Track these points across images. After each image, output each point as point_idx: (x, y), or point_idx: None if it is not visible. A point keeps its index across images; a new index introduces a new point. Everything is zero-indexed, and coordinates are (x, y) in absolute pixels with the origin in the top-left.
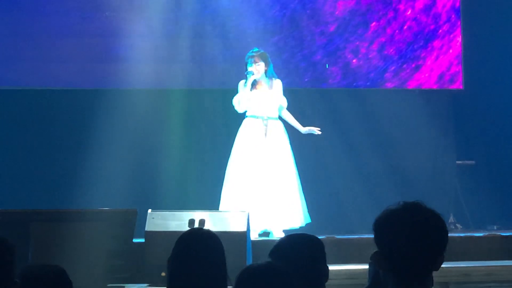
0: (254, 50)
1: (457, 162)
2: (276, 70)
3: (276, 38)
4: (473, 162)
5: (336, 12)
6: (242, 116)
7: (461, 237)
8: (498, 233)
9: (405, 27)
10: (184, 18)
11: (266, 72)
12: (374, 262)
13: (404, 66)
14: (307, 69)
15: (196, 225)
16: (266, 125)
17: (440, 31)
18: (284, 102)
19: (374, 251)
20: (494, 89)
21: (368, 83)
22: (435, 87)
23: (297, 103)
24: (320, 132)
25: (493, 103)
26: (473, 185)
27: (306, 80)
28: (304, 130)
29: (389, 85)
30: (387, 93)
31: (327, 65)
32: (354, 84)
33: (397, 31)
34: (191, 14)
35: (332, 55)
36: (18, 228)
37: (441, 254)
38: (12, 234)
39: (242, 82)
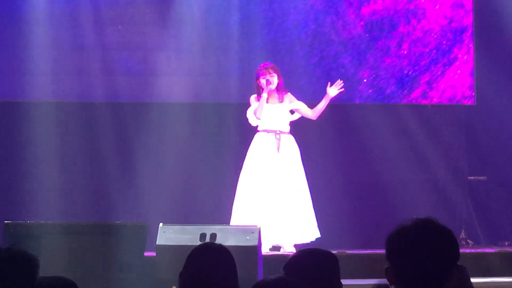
0: (267, 63)
1: (468, 177)
2: (286, 83)
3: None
4: (484, 177)
5: (347, 29)
6: (254, 129)
7: (472, 253)
8: (510, 249)
9: (418, 43)
10: (197, 31)
11: (278, 85)
12: (386, 277)
13: (417, 81)
14: (319, 83)
15: (208, 239)
16: (278, 140)
17: (452, 47)
18: (302, 105)
19: (386, 266)
20: (506, 105)
21: (380, 98)
22: (447, 103)
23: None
24: (341, 83)
25: (504, 118)
26: (485, 200)
27: (318, 94)
28: (330, 92)
29: (402, 100)
30: (400, 108)
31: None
32: (366, 99)
33: (409, 46)
34: (204, 28)
35: (344, 69)
36: (30, 241)
37: (451, 271)
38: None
39: (253, 96)
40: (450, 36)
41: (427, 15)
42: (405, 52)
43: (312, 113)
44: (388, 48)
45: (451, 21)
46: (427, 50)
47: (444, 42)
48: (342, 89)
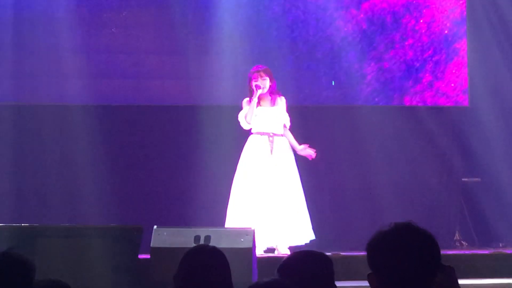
0: (259, 66)
1: (462, 179)
2: (280, 86)
3: (282, 54)
4: (478, 179)
5: (344, 30)
6: (247, 132)
7: (466, 254)
8: (504, 251)
9: (410, 45)
10: (190, 34)
11: (270, 88)
12: (368, 283)
13: (410, 83)
14: (312, 85)
15: (202, 241)
16: (272, 142)
17: (445, 49)
18: (287, 120)
19: (368, 273)
20: (499, 106)
21: (372, 101)
22: (440, 104)
23: (301, 119)
24: (314, 156)
25: (498, 120)
26: (479, 202)
27: (309, 96)
28: (299, 149)
29: (395, 102)
30: (392, 110)
31: (333, 82)
32: (359, 101)
33: (402, 49)
34: (197, 30)
35: (339, 72)
36: (24, 244)
37: (434, 274)
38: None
39: (246, 100)
40: (443, 39)
41: (419, 19)
42: (398, 56)
43: (285, 132)
44: (380, 53)
45: (444, 25)
46: (420, 52)
47: (437, 45)
48: (311, 157)
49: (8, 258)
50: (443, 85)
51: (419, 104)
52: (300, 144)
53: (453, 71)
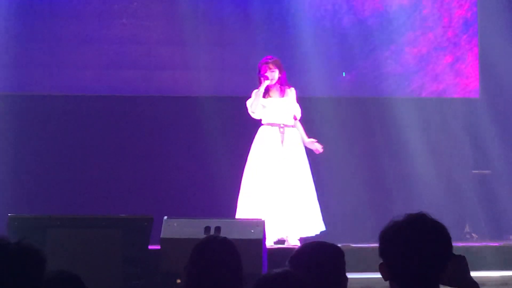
0: (268, 57)
1: (473, 171)
2: (291, 77)
3: (292, 45)
4: (489, 171)
5: (353, 22)
6: (258, 123)
7: (476, 246)
8: None
9: (422, 37)
10: (201, 25)
11: (280, 79)
12: (380, 273)
13: (420, 74)
14: (323, 77)
15: (212, 232)
16: (282, 133)
17: (457, 41)
18: (298, 111)
19: (380, 262)
20: (510, 98)
21: (383, 92)
22: (451, 96)
23: (312, 111)
24: (321, 151)
25: (509, 112)
26: (489, 194)
27: (321, 88)
28: (307, 142)
29: (405, 93)
30: (403, 102)
31: (343, 73)
32: (369, 92)
33: (413, 41)
34: (207, 21)
35: (349, 63)
36: (35, 234)
37: (445, 265)
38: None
39: (255, 91)
40: (455, 30)
41: (430, 10)
42: (409, 46)
43: (296, 124)
44: (390, 42)
45: (456, 16)
46: (431, 44)
47: (449, 36)
48: (318, 151)
49: (20, 249)
50: (453, 77)
51: (429, 96)
52: (309, 137)
53: (464, 62)
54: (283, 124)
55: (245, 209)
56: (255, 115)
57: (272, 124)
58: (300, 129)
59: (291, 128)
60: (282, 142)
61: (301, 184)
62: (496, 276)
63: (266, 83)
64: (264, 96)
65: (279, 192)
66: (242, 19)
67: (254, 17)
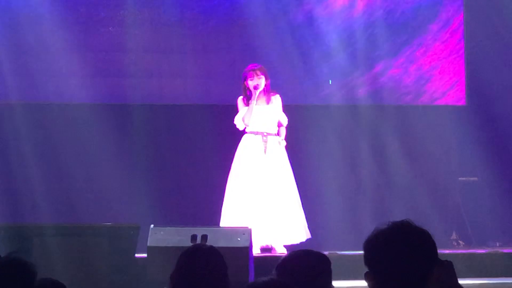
0: (254, 64)
1: (459, 178)
2: (277, 85)
3: (279, 52)
4: (476, 178)
5: (341, 29)
6: (241, 131)
7: (463, 253)
8: (500, 250)
9: (408, 44)
10: (188, 33)
11: (265, 86)
12: (366, 282)
13: (407, 83)
14: (310, 84)
15: (199, 240)
16: (265, 142)
17: (443, 48)
18: (283, 118)
19: (365, 271)
20: (496, 105)
21: (368, 100)
22: (437, 104)
23: (297, 118)
24: None
25: (495, 119)
26: (476, 201)
27: (308, 96)
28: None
29: (391, 101)
30: (389, 110)
31: (330, 81)
32: (354, 101)
33: (399, 47)
34: (194, 29)
35: (337, 71)
36: (21, 242)
37: (431, 271)
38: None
39: (240, 98)
40: (441, 38)
41: (416, 16)
42: (396, 55)
43: (280, 130)
44: (378, 52)
45: (442, 23)
46: (418, 50)
47: (435, 45)
48: None
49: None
50: (440, 84)
51: (416, 103)
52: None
53: (451, 69)
54: (266, 133)
55: (229, 217)
56: (245, 126)
57: (255, 133)
58: (282, 135)
59: (274, 136)
60: (265, 150)
61: (284, 192)
62: (483, 283)
63: (257, 92)
64: (248, 104)
65: (264, 200)
66: (228, 27)
67: (241, 25)
